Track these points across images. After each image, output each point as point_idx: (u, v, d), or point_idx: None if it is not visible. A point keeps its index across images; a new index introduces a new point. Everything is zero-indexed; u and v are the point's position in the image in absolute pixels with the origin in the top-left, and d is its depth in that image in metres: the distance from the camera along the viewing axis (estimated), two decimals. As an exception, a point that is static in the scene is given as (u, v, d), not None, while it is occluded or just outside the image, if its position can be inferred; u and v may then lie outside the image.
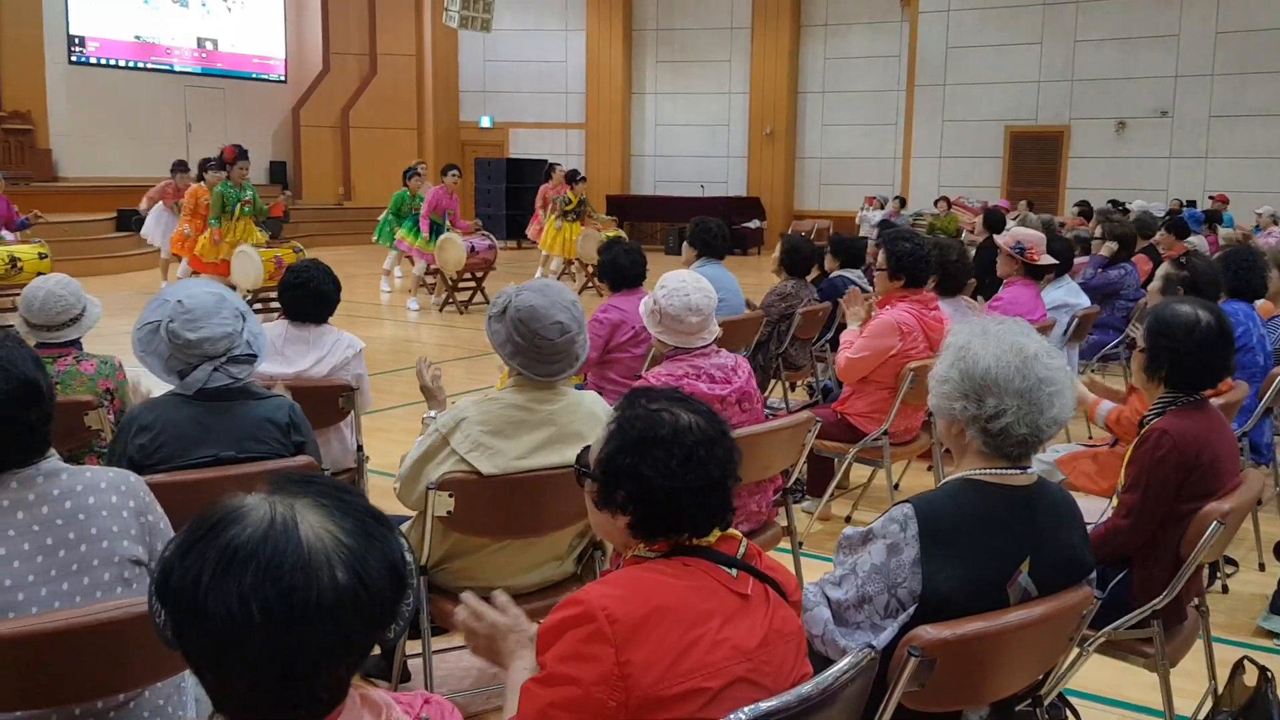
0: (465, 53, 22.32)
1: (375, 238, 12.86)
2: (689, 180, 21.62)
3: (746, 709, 1.57)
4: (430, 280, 12.46)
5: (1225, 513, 2.66)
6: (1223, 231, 11.98)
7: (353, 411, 4.00)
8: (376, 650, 3.02)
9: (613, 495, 1.78)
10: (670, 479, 1.72)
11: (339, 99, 21.82)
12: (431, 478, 2.71)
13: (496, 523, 2.81)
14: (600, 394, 3.03)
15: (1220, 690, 2.99)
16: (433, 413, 3.11)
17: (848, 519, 5.13)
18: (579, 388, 3.01)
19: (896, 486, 5.09)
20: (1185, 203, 15.02)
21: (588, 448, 1.89)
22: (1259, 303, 5.09)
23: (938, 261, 5.26)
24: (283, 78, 21.66)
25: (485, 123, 22.80)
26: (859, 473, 5.46)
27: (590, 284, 13.30)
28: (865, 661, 1.77)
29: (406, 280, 13.11)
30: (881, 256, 4.84)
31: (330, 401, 3.89)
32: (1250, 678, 2.90)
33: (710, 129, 21.92)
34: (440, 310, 11.97)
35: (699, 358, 3.54)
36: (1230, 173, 16.57)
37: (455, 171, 12.15)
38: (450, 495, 2.69)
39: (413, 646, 3.11)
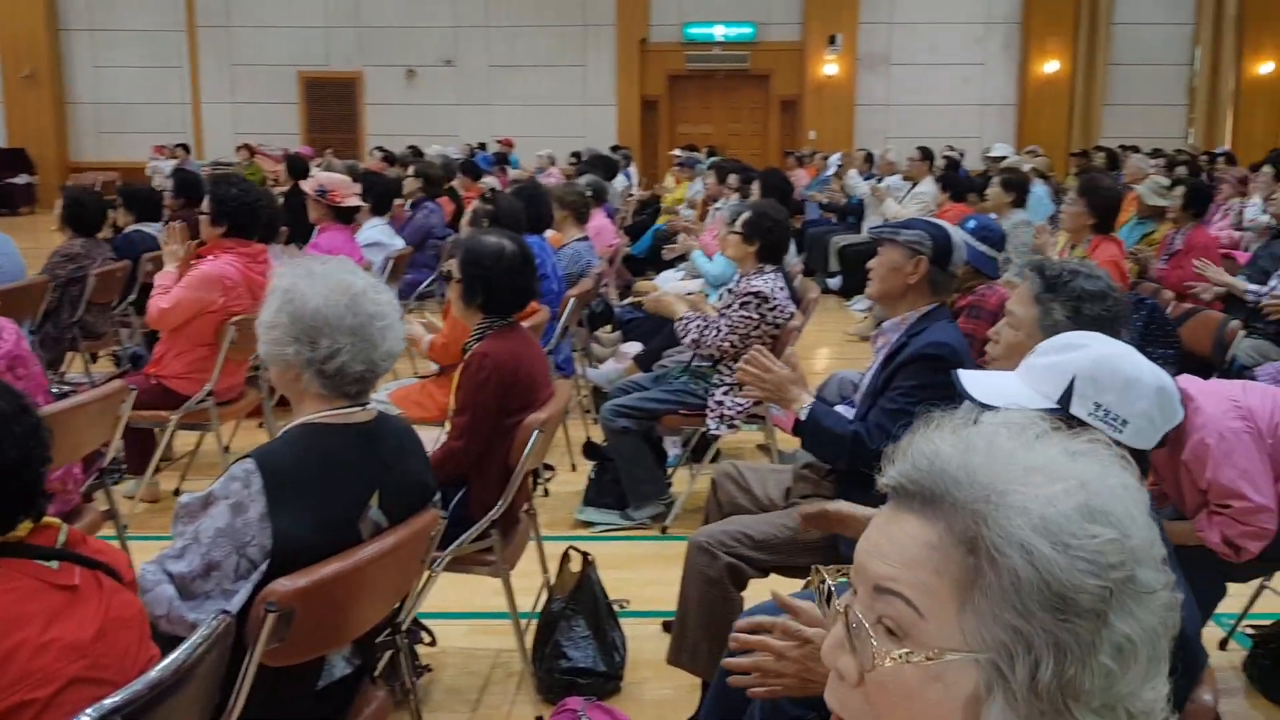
0: None
1: None
2: (-75, 130, 18.39)
3: (90, 710, 1.37)
4: None
5: (543, 421, 2.92)
6: (512, 173, 13.13)
7: None
8: None
9: None
10: None
11: None
12: None
13: None
14: None
15: (553, 581, 3.32)
16: None
17: (177, 492, 4.78)
18: None
19: (228, 449, 4.85)
20: (477, 146, 16.19)
21: None
22: (548, 234, 5.66)
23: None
24: None
25: None
26: (185, 440, 5.11)
27: None
28: (220, 629, 1.65)
29: None
30: (205, 202, 4.51)
31: None
32: (575, 564, 3.26)
33: (-51, 69, 18.78)
34: None
35: None
36: (512, 118, 18.17)
37: None
38: None
39: None
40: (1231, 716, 3.05)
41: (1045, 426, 0.86)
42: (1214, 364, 4.71)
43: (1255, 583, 3.38)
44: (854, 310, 9.34)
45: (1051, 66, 16.88)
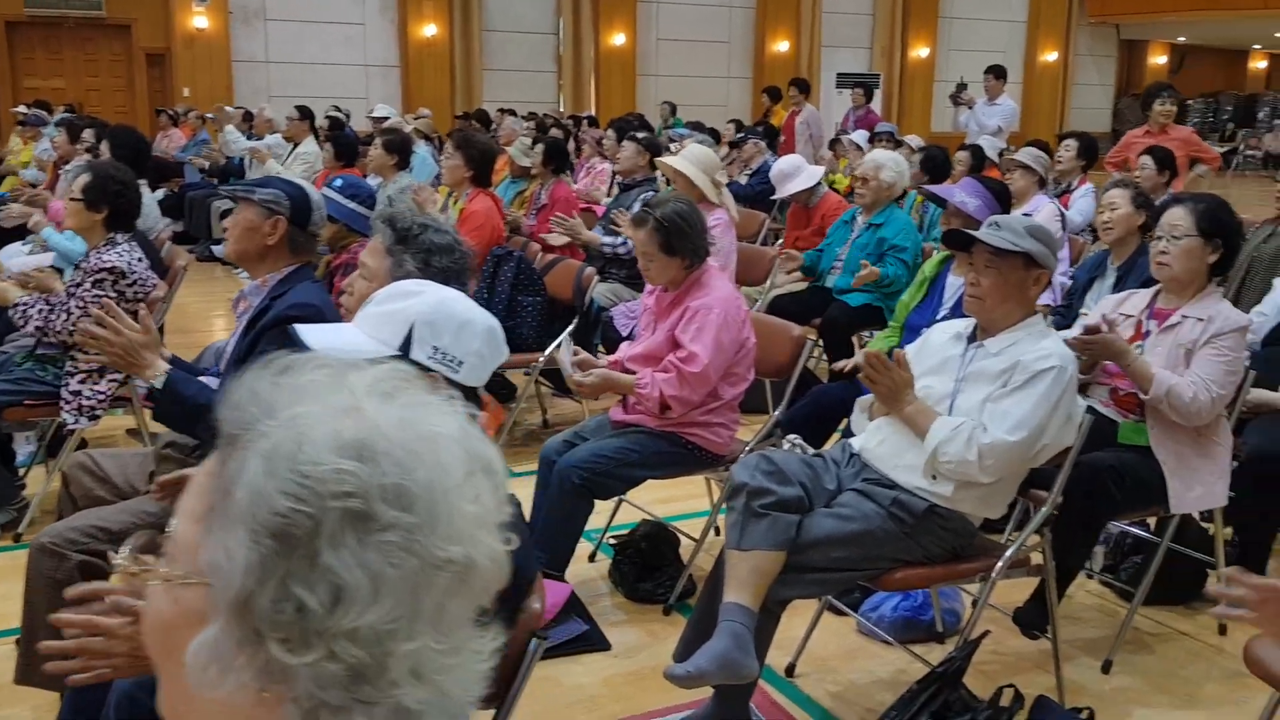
0: None
1: None
2: None
3: None
4: None
5: None
6: None
7: None
8: None
9: None
10: None
11: None
12: None
13: None
14: None
15: None
16: None
17: None
18: None
19: None
20: None
21: None
22: None
23: None
24: None
25: None
26: None
27: None
28: None
29: None
30: None
31: None
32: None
33: None
34: None
35: None
36: None
37: None
38: None
39: None
40: (600, 613, 3.42)
41: (400, 381, 0.81)
42: (575, 308, 5.15)
43: (614, 500, 3.78)
44: (242, 276, 8.92)
45: (430, 30, 17.31)
